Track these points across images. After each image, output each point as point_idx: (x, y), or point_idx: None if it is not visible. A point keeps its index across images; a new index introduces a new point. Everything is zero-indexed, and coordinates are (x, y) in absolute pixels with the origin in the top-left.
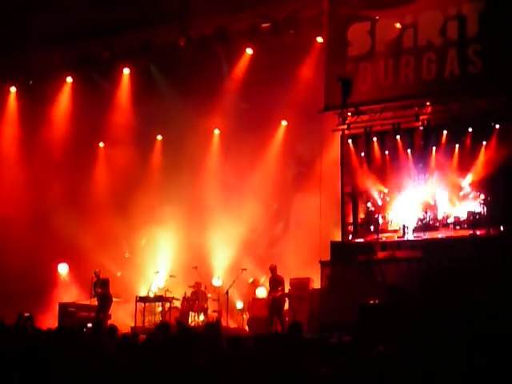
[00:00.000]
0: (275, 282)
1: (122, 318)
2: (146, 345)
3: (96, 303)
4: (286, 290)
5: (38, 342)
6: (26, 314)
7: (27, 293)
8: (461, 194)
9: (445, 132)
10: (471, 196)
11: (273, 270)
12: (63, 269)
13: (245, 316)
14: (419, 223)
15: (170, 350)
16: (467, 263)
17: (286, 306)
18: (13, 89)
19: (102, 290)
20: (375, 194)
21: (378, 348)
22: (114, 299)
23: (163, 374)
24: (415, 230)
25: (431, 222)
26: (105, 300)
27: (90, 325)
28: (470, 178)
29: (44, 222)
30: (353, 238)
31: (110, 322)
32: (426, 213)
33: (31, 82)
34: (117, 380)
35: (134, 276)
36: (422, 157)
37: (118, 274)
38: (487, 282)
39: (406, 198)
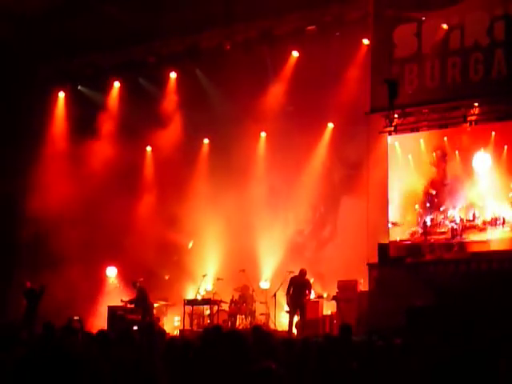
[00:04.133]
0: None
1: (170, 321)
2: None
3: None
4: (334, 293)
5: (89, 344)
6: (76, 318)
7: (76, 296)
8: (510, 194)
9: (493, 133)
10: None
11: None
12: (112, 272)
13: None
14: (468, 224)
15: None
16: None
17: (330, 309)
18: (61, 94)
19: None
20: (423, 196)
21: None
22: (161, 302)
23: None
24: (463, 231)
25: (480, 224)
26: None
27: (135, 327)
28: None
29: (93, 224)
30: (400, 240)
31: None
32: (474, 214)
33: (79, 87)
34: None
35: (181, 279)
36: (469, 158)
37: (166, 278)
38: None
39: (454, 199)
